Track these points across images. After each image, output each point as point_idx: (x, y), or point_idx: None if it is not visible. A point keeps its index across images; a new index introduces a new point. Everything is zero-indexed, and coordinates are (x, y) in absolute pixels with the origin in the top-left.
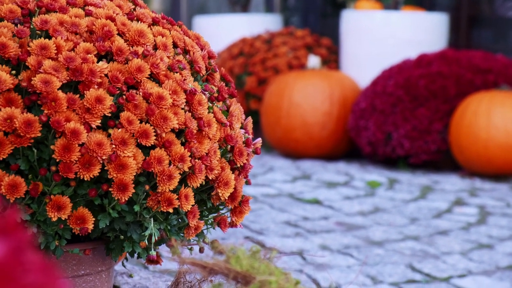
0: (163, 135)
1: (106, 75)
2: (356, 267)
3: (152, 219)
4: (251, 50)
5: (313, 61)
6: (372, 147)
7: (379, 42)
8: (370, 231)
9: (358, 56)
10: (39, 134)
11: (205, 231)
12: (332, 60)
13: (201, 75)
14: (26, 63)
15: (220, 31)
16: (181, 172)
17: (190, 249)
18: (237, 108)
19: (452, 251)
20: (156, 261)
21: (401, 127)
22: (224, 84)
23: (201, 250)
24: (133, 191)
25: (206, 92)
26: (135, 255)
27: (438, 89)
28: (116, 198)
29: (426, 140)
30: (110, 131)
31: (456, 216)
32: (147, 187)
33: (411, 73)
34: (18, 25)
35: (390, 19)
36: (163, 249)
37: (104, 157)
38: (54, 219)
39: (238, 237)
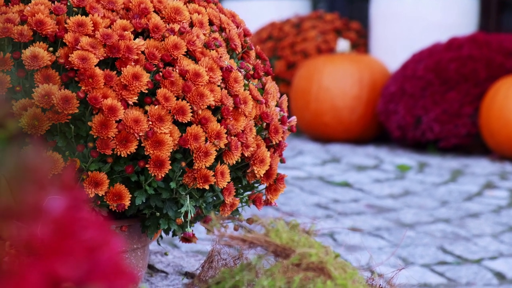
0: (200, 112)
1: (142, 52)
2: (387, 249)
3: (188, 196)
4: (280, 34)
5: (342, 45)
6: (402, 131)
7: (409, 26)
8: (400, 214)
9: (387, 39)
10: (77, 111)
11: (240, 209)
12: (361, 44)
13: (237, 52)
14: (64, 40)
15: (249, 16)
16: (217, 149)
17: (225, 227)
18: (272, 86)
19: (483, 233)
20: (191, 238)
21: (431, 111)
22: (259, 62)
23: (235, 228)
24: (170, 167)
25: (242, 70)
26: (170, 233)
27: (469, 73)
28: (152, 175)
29: (456, 123)
30: (147, 107)
31: (486, 199)
32: (183, 163)
33: (442, 56)
34: (55, 2)
35: (421, 3)
36: (196, 230)
37: (141, 134)
38: (91, 196)
39: (269, 218)
